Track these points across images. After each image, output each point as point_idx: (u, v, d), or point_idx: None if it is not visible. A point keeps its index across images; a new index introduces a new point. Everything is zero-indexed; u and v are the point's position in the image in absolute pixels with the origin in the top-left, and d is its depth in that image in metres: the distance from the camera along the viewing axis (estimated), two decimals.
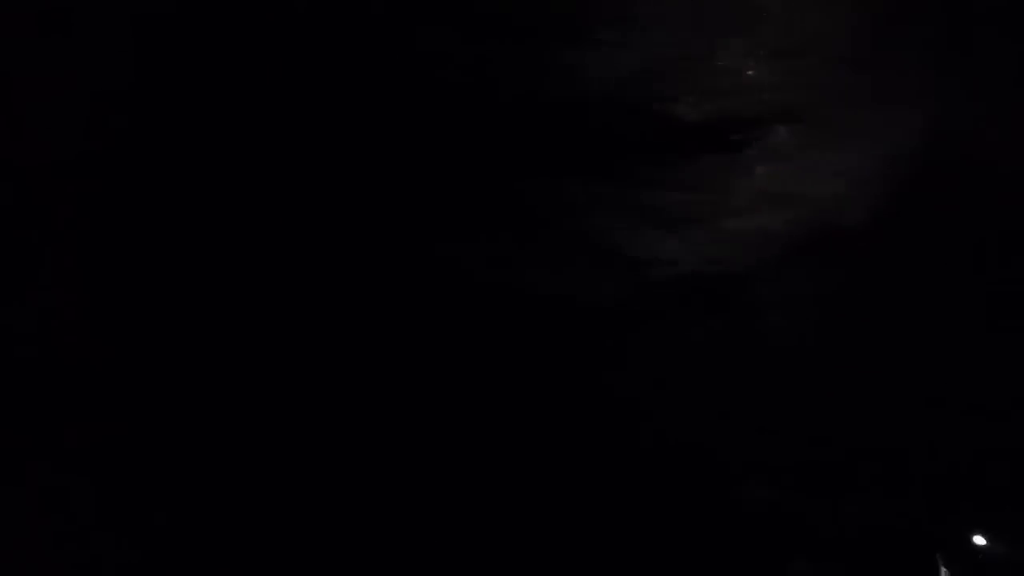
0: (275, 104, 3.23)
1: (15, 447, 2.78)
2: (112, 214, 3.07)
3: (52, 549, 2.66)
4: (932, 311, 2.93)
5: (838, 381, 2.93)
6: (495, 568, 2.72)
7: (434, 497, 2.82)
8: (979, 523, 2.73)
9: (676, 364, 3.04)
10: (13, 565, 2.63)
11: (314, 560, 2.76)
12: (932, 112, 2.99)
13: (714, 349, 3.04)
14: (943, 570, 2.71)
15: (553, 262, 3.17)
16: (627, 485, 2.86)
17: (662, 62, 3.27)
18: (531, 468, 2.84)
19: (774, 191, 3.16)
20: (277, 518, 2.80)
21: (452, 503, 2.81)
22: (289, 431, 2.91)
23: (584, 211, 3.21)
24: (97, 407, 2.89)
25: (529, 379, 3.00)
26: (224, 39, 3.21)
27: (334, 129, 3.23)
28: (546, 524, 2.79)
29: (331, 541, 2.78)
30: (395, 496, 2.83)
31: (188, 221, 3.11)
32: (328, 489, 2.84)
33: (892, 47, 3.12)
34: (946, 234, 2.95)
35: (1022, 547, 2.69)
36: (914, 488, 2.81)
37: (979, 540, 2.72)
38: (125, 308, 3.08)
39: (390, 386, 2.97)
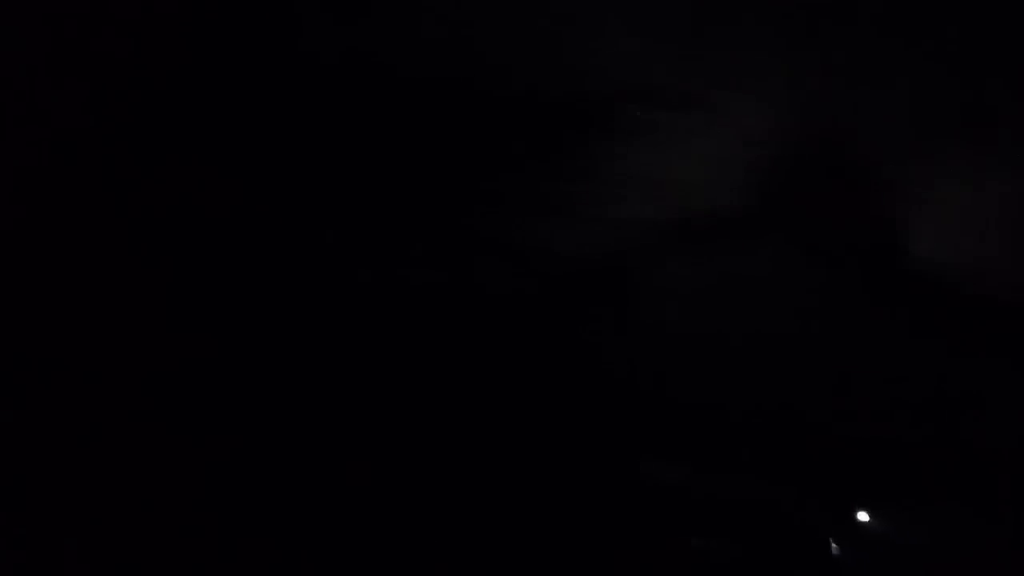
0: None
1: None
2: None
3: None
4: (811, 295, 3.05)
5: (724, 364, 3.00)
6: None
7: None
8: (864, 500, 2.89)
9: (562, 352, 3.06)
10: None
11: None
12: (805, 97, 3.09)
13: (599, 337, 3.06)
14: (832, 545, 2.87)
15: (429, 255, 3.14)
16: (520, 469, 2.91)
17: (520, 40, 3.13)
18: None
19: (647, 176, 3.11)
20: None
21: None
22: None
23: (455, 202, 3.14)
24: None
25: (408, 378, 3.02)
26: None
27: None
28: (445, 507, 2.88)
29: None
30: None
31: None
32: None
33: (768, 28, 3.18)
34: (819, 220, 3.06)
35: (903, 522, 2.86)
36: (803, 466, 2.94)
37: (863, 516, 2.88)
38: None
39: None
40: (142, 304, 3.00)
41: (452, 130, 3.14)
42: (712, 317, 3.02)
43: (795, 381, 2.95)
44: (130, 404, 2.87)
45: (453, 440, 2.92)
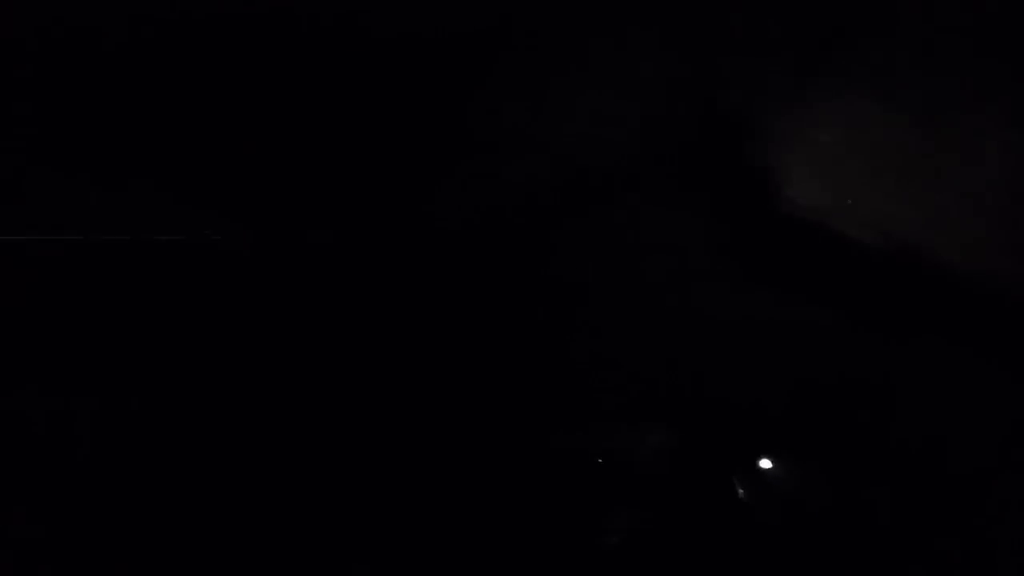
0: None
1: None
2: None
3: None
4: (697, 252, 3.11)
5: (627, 324, 3.09)
6: None
7: None
8: (767, 447, 3.08)
9: (467, 316, 3.12)
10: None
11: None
12: (681, 54, 3.05)
13: (499, 299, 3.12)
14: (739, 490, 3.04)
15: (325, 215, 3.12)
16: (436, 439, 3.00)
17: None
18: None
19: (527, 133, 3.10)
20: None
21: None
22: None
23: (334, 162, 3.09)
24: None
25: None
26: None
27: None
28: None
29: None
30: None
31: None
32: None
33: None
34: (702, 175, 3.10)
35: (802, 466, 3.09)
36: (707, 418, 3.08)
37: (766, 463, 3.11)
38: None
39: None
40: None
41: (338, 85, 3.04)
42: (603, 272, 3.11)
43: (687, 334, 3.10)
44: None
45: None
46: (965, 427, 2.92)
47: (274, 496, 2.90)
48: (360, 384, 3.08)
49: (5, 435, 2.81)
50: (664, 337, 3.15)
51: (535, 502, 2.99)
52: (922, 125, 2.99)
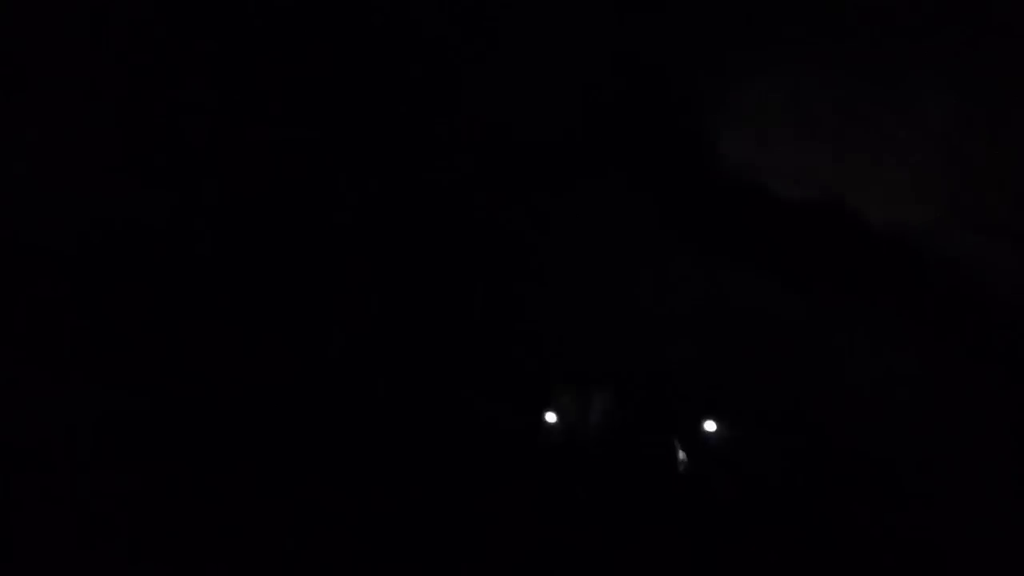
0: None
1: None
2: None
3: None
4: (634, 218, 3.16)
5: (571, 294, 3.12)
6: None
7: None
8: (709, 410, 3.07)
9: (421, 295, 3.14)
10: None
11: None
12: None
13: (447, 277, 3.15)
14: (680, 453, 3.00)
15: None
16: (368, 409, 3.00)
17: None
18: None
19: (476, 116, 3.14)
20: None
21: None
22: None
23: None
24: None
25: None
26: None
27: None
28: None
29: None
30: None
31: None
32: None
33: None
34: (633, 142, 3.16)
35: (743, 428, 3.11)
36: (650, 383, 3.07)
37: (710, 425, 3.09)
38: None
39: None
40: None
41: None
42: (547, 243, 3.15)
43: (630, 301, 3.13)
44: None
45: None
46: (893, 383, 2.96)
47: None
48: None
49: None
50: (606, 304, 3.17)
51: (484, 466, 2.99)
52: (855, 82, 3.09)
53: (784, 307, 3.10)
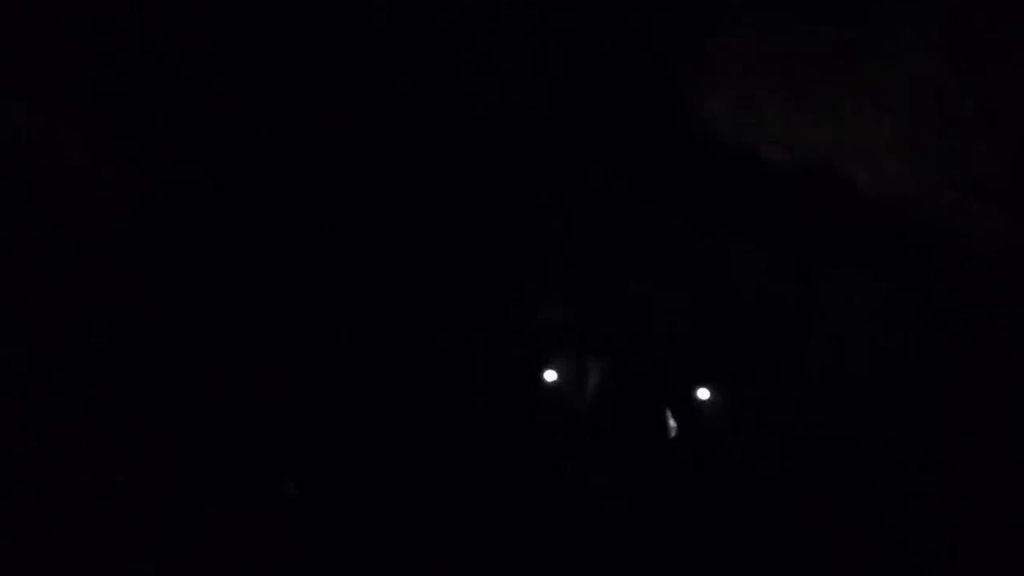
0: None
1: None
2: None
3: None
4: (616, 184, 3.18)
5: (561, 264, 3.21)
6: None
7: None
8: (701, 378, 3.17)
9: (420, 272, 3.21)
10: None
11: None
12: None
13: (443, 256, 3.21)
14: (671, 421, 3.13)
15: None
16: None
17: None
18: None
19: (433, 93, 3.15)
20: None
21: None
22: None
23: None
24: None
25: None
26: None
27: None
28: None
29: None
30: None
31: None
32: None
33: None
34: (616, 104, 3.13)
35: (735, 397, 3.16)
36: (644, 351, 3.19)
37: (703, 394, 3.19)
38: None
39: None
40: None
41: None
42: (538, 217, 3.19)
43: (619, 270, 3.19)
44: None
45: None
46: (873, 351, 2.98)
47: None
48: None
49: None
50: (595, 274, 3.24)
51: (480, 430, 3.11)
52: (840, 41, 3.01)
53: (775, 277, 3.13)
